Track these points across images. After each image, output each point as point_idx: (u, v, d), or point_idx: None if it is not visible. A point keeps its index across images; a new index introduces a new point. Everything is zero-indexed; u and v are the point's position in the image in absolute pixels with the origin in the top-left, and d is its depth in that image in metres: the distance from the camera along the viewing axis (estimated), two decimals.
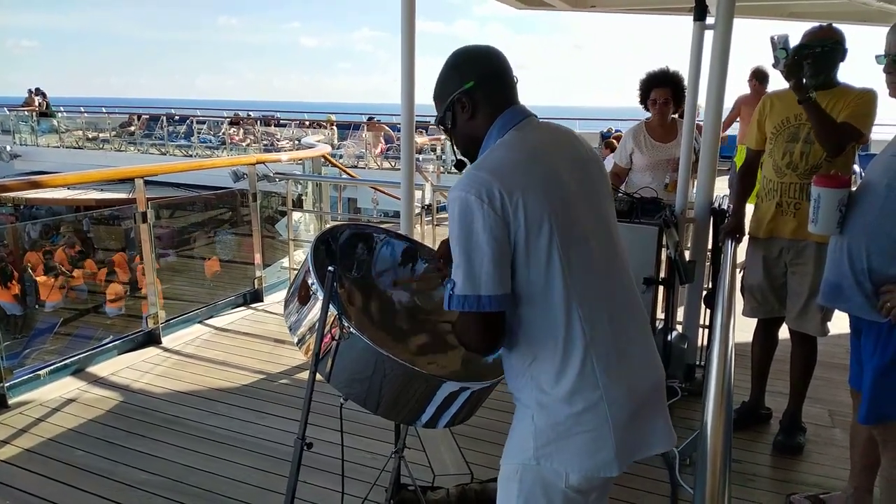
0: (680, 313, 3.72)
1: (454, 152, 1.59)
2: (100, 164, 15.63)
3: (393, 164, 15.36)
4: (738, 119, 7.28)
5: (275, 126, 19.97)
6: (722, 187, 6.92)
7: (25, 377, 3.57)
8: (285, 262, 5.93)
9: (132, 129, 20.77)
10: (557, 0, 4.85)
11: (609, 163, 4.47)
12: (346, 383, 1.67)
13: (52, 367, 3.71)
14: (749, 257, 3.12)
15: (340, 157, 15.10)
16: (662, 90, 3.88)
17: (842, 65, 2.75)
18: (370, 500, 2.34)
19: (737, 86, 6.59)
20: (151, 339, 4.28)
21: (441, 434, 3.13)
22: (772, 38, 2.59)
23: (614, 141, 8.28)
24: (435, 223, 5.96)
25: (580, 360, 1.37)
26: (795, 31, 2.75)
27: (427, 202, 5.81)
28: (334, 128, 18.08)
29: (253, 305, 5.13)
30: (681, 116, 3.98)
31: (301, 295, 1.77)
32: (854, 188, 2.21)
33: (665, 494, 2.66)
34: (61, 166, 16.45)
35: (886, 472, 2.20)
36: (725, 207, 3.52)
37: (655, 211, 3.31)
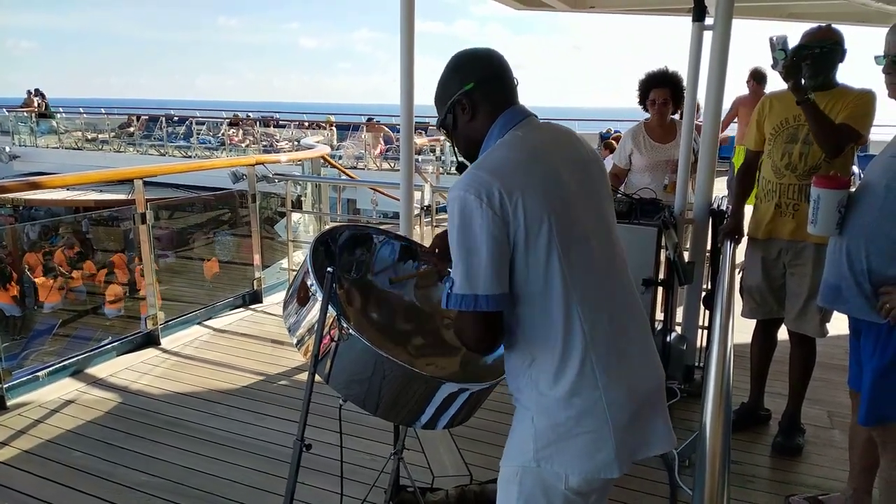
0: (679, 314, 3.72)
1: (455, 155, 1.60)
2: (99, 165, 15.64)
3: (392, 165, 15.37)
4: (735, 120, 7.29)
5: (274, 127, 19.99)
6: (721, 188, 6.94)
7: (24, 378, 3.56)
8: (284, 263, 5.93)
9: (131, 130, 20.79)
10: (556, 1, 4.85)
11: (608, 164, 4.47)
12: (345, 384, 1.67)
13: (50, 369, 3.70)
14: (748, 258, 3.12)
15: (340, 158, 15.11)
16: (661, 90, 3.88)
17: (841, 66, 2.75)
18: (369, 501, 2.34)
19: (736, 87, 6.60)
20: (150, 341, 4.27)
21: (440, 435, 3.13)
22: (770, 40, 2.59)
23: (613, 142, 8.28)
24: (434, 224, 5.97)
25: (579, 361, 1.37)
26: (794, 32, 2.75)
27: (426, 203, 5.81)
28: (333, 129, 18.09)
29: (252, 306, 5.12)
30: (681, 117, 3.98)
31: (300, 296, 1.77)
32: (853, 189, 2.21)
33: (664, 496, 2.65)
34: (60, 167, 16.47)
35: (885, 473, 2.20)
36: (724, 208, 3.52)
37: (654, 212, 3.31)
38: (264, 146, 18.01)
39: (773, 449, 3.06)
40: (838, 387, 3.51)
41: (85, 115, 22.95)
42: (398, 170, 4.06)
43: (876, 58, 2.10)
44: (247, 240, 5.60)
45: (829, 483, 2.79)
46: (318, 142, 12.89)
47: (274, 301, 5.20)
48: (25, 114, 20.74)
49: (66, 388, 3.63)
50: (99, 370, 3.87)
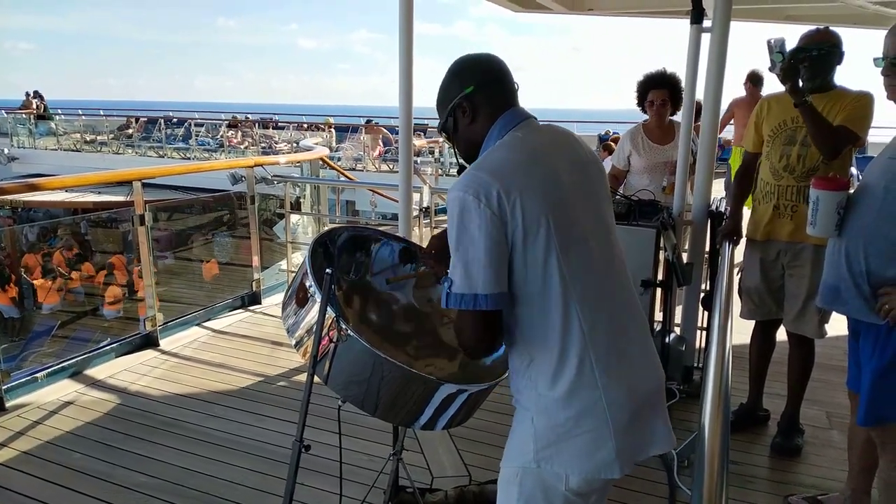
0: (678, 315, 3.72)
1: (456, 157, 1.61)
2: (97, 166, 15.64)
3: (391, 166, 15.38)
4: (731, 122, 7.31)
5: (273, 129, 19.99)
6: (718, 190, 6.95)
7: (23, 380, 3.56)
8: (283, 264, 5.92)
9: (130, 131, 20.79)
10: (554, 3, 4.86)
11: (607, 165, 4.48)
12: (343, 385, 1.67)
13: (49, 370, 3.70)
14: (746, 260, 3.12)
15: (338, 159, 15.11)
16: (660, 91, 3.88)
17: (839, 68, 2.76)
18: (368, 501, 2.34)
19: (734, 88, 6.62)
20: (149, 342, 4.27)
21: (439, 436, 3.13)
22: (768, 42, 2.60)
23: (612, 143, 8.29)
24: (433, 226, 5.97)
25: (578, 361, 1.37)
26: (792, 35, 2.76)
27: (425, 204, 5.81)
28: (332, 130, 18.11)
29: (251, 308, 5.12)
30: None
31: (299, 297, 1.77)
32: (852, 191, 2.22)
33: (663, 496, 2.66)
34: (59, 169, 16.47)
35: (884, 473, 2.21)
36: (723, 210, 3.53)
37: (653, 213, 3.32)
38: (263, 148, 18.02)
39: (771, 449, 3.06)
40: (837, 387, 3.52)
41: (83, 117, 22.95)
42: (397, 171, 4.07)
43: (875, 60, 2.10)
44: (246, 241, 5.60)
45: (827, 483, 2.79)
46: (316, 143, 12.91)
47: (273, 302, 5.20)
48: (24, 115, 20.74)
49: (64, 389, 3.63)
50: (98, 371, 3.87)
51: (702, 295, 3.60)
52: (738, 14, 3.74)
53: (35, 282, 8.72)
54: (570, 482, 1.41)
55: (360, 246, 2.07)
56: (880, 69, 2.08)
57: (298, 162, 6.96)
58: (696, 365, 3.68)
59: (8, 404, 3.40)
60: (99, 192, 12.94)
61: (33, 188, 4.52)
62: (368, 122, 18.01)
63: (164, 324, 4.41)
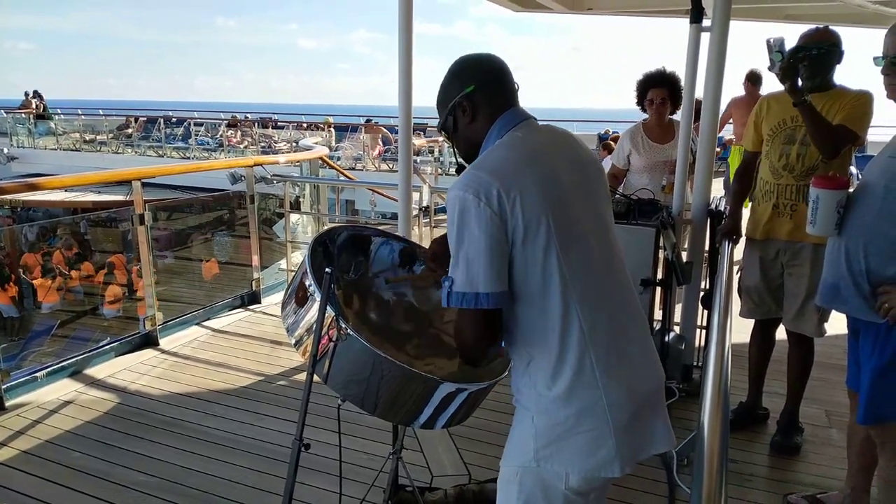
0: (677, 314, 3.72)
1: (455, 157, 1.61)
2: (97, 166, 15.65)
3: (391, 165, 15.38)
4: (730, 121, 7.31)
5: (272, 128, 19.99)
6: (718, 189, 6.95)
7: (23, 379, 3.56)
8: (283, 263, 5.93)
9: (129, 131, 20.79)
10: (554, 2, 4.86)
11: (606, 164, 4.48)
12: (343, 384, 1.67)
13: (49, 369, 3.70)
14: (746, 259, 3.13)
15: (338, 159, 15.11)
16: (659, 90, 3.89)
17: (838, 67, 2.76)
18: (368, 500, 2.34)
19: (734, 88, 6.62)
20: (149, 341, 4.27)
21: (439, 435, 3.13)
22: (767, 41, 2.60)
23: (612, 143, 8.28)
24: (433, 225, 5.97)
25: (577, 360, 1.37)
26: (792, 34, 2.76)
27: (425, 204, 5.82)
28: (332, 130, 18.11)
29: (250, 307, 5.13)
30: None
31: (298, 296, 1.77)
32: (851, 190, 2.22)
33: (663, 494, 2.66)
34: (58, 168, 16.47)
35: (884, 472, 2.21)
36: (722, 209, 3.53)
37: (653, 212, 3.32)
38: (262, 147, 18.02)
39: (771, 448, 3.07)
40: (836, 386, 3.52)
41: (83, 117, 22.95)
42: (396, 171, 4.07)
43: (874, 59, 2.10)
44: (245, 241, 5.60)
45: (827, 482, 2.79)
46: (316, 143, 12.91)
47: (272, 301, 5.20)
48: (23, 115, 20.74)
49: (64, 388, 3.63)
50: (97, 371, 3.87)
51: (701, 294, 3.60)
52: (737, 13, 3.74)
53: (35, 281, 8.71)
54: (570, 481, 1.41)
55: (359, 245, 2.07)
56: (880, 68, 2.08)
57: (298, 161, 6.95)
58: (695, 364, 3.68)
59: (7, 403, 3.41)
60: (98, 192, 12.94)
61: (33, 188, 4.51)
62: (368, 121, 18.01)
63: (164, 323, 4.41)
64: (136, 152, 19.51)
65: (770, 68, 2.61)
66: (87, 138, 20.83)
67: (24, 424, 3.24)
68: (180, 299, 6.26)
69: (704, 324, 3.62)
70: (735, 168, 5.39)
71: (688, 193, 3.75)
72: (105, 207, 11.56)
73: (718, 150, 7.33)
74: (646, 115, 4.06)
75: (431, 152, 15.35)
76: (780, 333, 3.12)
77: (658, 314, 3.57)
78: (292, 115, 24.52)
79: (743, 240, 3.12)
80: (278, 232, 6.70)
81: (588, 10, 5.25)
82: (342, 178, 8.13)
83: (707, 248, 3.57)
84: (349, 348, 1.61)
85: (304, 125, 20.03)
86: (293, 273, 1.85)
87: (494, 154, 1.44)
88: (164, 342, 4.31)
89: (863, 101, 2.68)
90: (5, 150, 19.41)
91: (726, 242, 3.02)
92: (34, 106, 20.83)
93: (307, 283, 1.71)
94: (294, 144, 16.70)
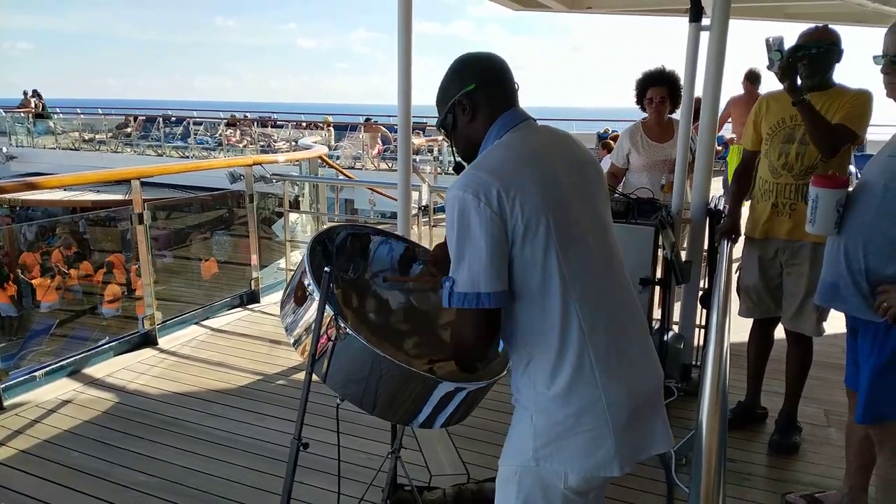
0: (676, 313, 3.72)
1: (454, 155, 1.61)
2: (96, 165, 15.63)
3: (390, 165, 15.38)
4: (729, 120, 7.31)
5: (271, 127, 19.98)
6: (717, 188, 6.95)
7: (21, 378, 3.56)
8: (282, 263, 5.92)
9: (128, 130, 20.78)
10: (553, 1, 4.86)
11: (606, 163, 4.48)
12: (342, 384, 1.67)
13: (48, 369, 3.70)
14: (745, 258, 3.13)
15: (337, 158, 15.10)
16: (658, 89, 3.89)
17: (838, 66, 2.76)
18: (366, 500, 2.34)
19: (733, 87, 6.61)
20: (148, 341, 4.27)
21: (437, 434, 3.13)
22: (766, 40, 2.60)
23: (611, 142, 8.28)
24: (432, 224, 5.96)
25: (576, 359, 1.38)
26: (791, 33, 2.76)
27: (424, 203, 5.81)
28: (331, 129, 18.10)
29: (249, 306, 5.12)
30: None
31: (297, 296, 1.77)
32: (851, 189, 2.22)
33: (661, 494, 2.66)
34: (57, 168, 16.46)
35: (882, 471, 2.21)
36: (721, 208, 3.53)
37: (652, 211, 3.32)
38: (262, 146, 18.02)
39: (769, 447, 3.07)
40: (835, 385, 3.52)
41: (82, 116, 22.93)
42: (396, 170, 4.07)
43: (874, 57, 2.10)
44: (244, 240, 5.59)
45: (825, 481, 2.79)
46: (315, 142, 12.88)
47: (271, 301, 5.20)
48: (22, 114, 20.72)
49: (63, 388, 3.63)
50: (96, 370, 3.86)
51: (700, 293, 3.60)
52: (736, 12, 3.74)
53: (34, 281, 8.71)
54: (569, 480, 1.41)
55: (358, 244, 2.07)
56: (880, 67, 2.08)
57: (297, 160, 6.94)
58: (694, 363, 3.68)
59: (6, 403, 3.40)
60: (97, 191, 12.94)
61: (31, 187, 4.51)
62: (367, 120, 18.01)
63: (163, 322, 4.41)
64: (135, 151, 19.50)
65: (769, 67, 2.61)
66: (86, 137, 20.82)
67: (23, 424, 3.24)
68: (179, 298, 6.26)
69: (703, 323, 3.62)
70: (734, 167, 5.39)
71: (687, 192, 3.75)
72: (104, 207, 11.57)
73: (720, 148, 7.32)
74: (645, 114, 4.06)
75: (431, 151, 15.34)
76: (779, 333, 3.12)
77: (657, 313, 3.57)
78: (291, 114, 24.50)
79: (742, 239, 3.12)
80: (277, 231, 6.70)
81: (588, 10, 5.25)
82: (341, 177, 8.12)
83: (706, 247, 3.57)
84: (348, 347, 1.61)
85: (304, 124, 20.02)
86: (292, 272, 1.84)
87: (494, 154, 1.45)
88: (162, 341, 4.31)
89: (862, 101, 2.68)
90: (4, 150, 19.39)
91: (725, 241, 3.02)
92: (33, 105, 20.81)
93: (306, 282, 1.71)
94: (293, 143, 16.68)
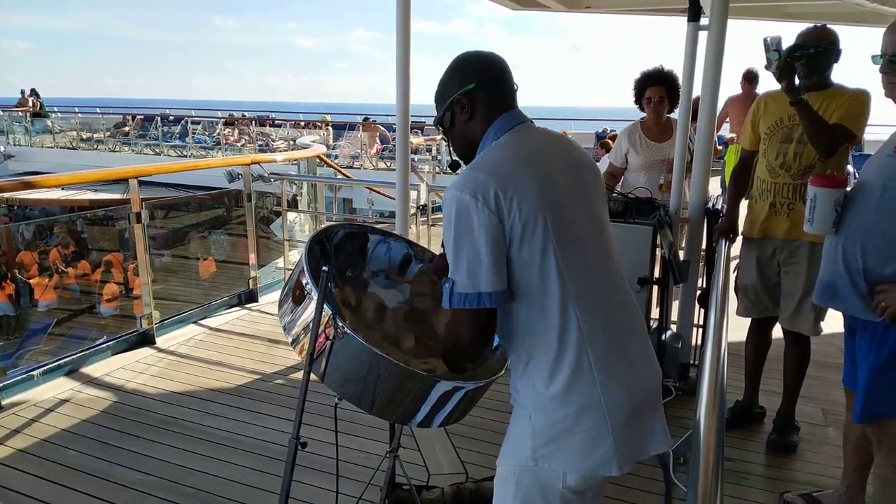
0: (674, 313, 3.72)
1: (449, 154, 1.62)
2: (94, 164, 15.62)
3: (388, 164, 15.37)
4: (727, 120, 7.31)
5: (270, 126, 19.97)
6: (716, 187, 6.95)
7: (19, 378, 3.56)
8: (280, 262, 5.92)
9: (126, 129, 20.75)
10: (552, 1, 4.86)
11: (604, 163, 4.48)
12: (340, 383, 1.67)
13: (45, 368, 3.69)
14: (743, 257, 3.13)
15: (336, 157, 15.09)
16: (657, 88, 3.89)
17: (836, 66, 2.76)
18: (365, 499, 2.34)
19: (732, 86, 6.61)
20: (145, 340, 4.27)
21: (436, 433, 3.13)
22: (764, 40, 2.60)
23: (609, 141, 8.29)
24: (430, 223, 5.96)
25: (575, 358, 1.38)
26: (790, 33, 2.76)
27: (422, 202, 5.82)
28: (329, 128, 18.10)
29: (248, 306, 5.12)
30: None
31: (295, 295, 1.76)
32: (849, 188, 2.22)
33: (659, 493, 2.66)
34: (55, 167, 16.43)
35: (880, 470, 2.21)
36: (719, 207, 3.53)
37: (650, 211, 3.32)
38: (260, 146, 18.00)
39: (767, 446, 3.07)
40: (833, 385, 3.53)
41: (80, 115, 22.90)
42: (394, 169, 4.07)
43: (873, 57, 2.10)
44: (242, 239, 5.59)
45: (823, 480, 2.80)
46: (313, 141, 12.88)
47: (269, 300, 5.19)
48: (20, 113, 20.68)
49: (61, 387, 3.63)
50: (94, 369, 3.86)
51: (698, 292, 3.60)
52: (735, 12, 3.74)
53: (32, 280, 8.69)
54: (567, 480, 1.41)
55: (356, 243, 2.07)
56: (878, 66, 2.08)
57: (295, 160, 6.94)
58: (692, 362, 3.69)
59: (4, 402, 3.40)
60: (95, 190, 12.92)
61: (29, 186, 4.50)
62: (366, 119, 18.01)
63: (161, 322, 4.41)
64: (132, 150, 19.48)
65: (767, 67, 2.61)
66: (84, 136, 20.79)
67: (21, 423, 3.23)
68: (177, 298, 6.25)
69: (701, 322, 3.62)
70: (731, 167, 5.39)
71: (685, 192, 3.75)
72: (102, 206, 11.55)
73: (720, 148, 7.31)
74: (644, 114, 4.06)
75: (429, 151, 15.35)
76: (777, 332, 3.12)
77: (655, 313, 3.57)
78: (290, 113, 24.49)
79: (740, 238, 3.12)
80: (275, 230, 6.70)
81: (586, 9, 5.25)
82: (340, 176, 8.11)
83: (704, 246, 3.57)
84: (346, 347, 1.60)
85: (302, 123, 20.01)
86: (290, 271, 1.84)
87: (491, 155, 1.45)
88: (160, 341, 4.30)
89: (860, 100, 2.68)
90: (2, 149, 19.39)
91: (723, 241, 3.03)
92: (31, 104, 20.77)
93: (304, 281, 1.70)
94: (291, 143, 16.68)
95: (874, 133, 6.23)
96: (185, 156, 18.22)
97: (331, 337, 1.61)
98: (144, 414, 3.35)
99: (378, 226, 2.46)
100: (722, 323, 2.11)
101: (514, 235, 1.35)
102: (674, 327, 3.70)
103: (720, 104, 5.76)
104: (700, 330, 3.64)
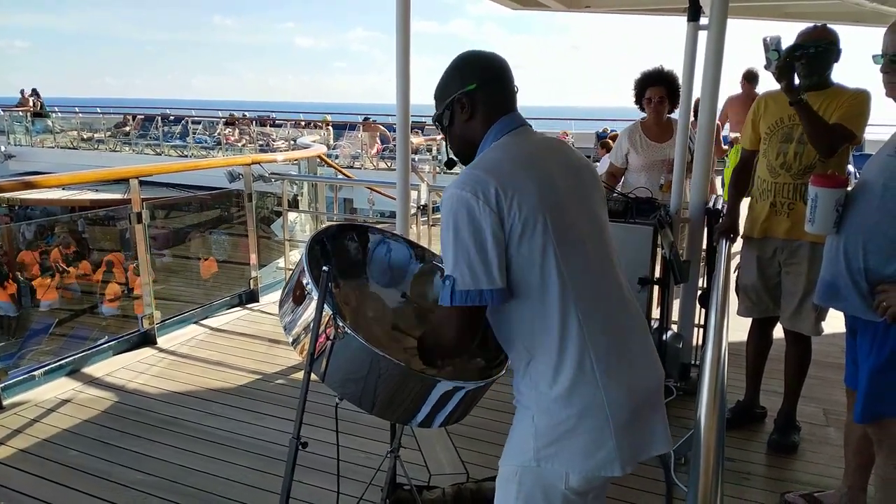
0: (675, 313, 3.72)
1: (447, 152, 1.63)
2: (95, 164, 15.63)
3: (389, 164, 15.37)
4: (726, 119, 7.29)
5: (270, 126, 19.97)
6: (719, 187, 6.94)
7: (20, 378, 3.56)
8: (281, 262, 5.92)
9: (127, 129, 20.76)
10: (552, 0, 4.86)
11: (605, 163, 4.48)
12: (340, 383, 1.67)
13: (47, 368, 3.70)
14: (743, 257, 3.13)
15: (336, 157, 15.09)
16: (657, 89, 3.89)
17: (836, 66, 2.76)
18: (366, 499, 2.34)
19: (732, 86, 6.60)
20: (147, 340, 4.27)
21: (436, 433, 3.13)
22: (764, 40, 2.60)
23: (610, 141, 8.29)
24: (430, 223, 5.96)
25: (577, 359, 1.38)
26: (790, 32, 2.76)
27: (423, 202, 5.81)
28: (330, 128, 18.10)
29: (248, 306, 5.12)
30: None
31: (296, 295, 1.76)
32: (850, 188, 2.22)
33: (661, 493, 2.66)
34: (56, 167, 16.44)
35: (881, 470, 2.21)
36: (720, 207, 3.53)
37: (650, 211, 3.32)
38: (261, 145, 18.01)
39: (768, 446, 3.07)
40: (834, 385, 3.53)
41: (80, 115, 22.90)
42: (394, 169, 4.07)
43: (874, 56, 2.09)
44: (243, 239, 5.59)
45: (824, 480, 2.80)
46: (314, 141, 12.88)
47: (270, 300, 5.20)
48: (21, 113, 20.69)
49: (62, 387, 3.63)
50: (95, 369, 3.86)
51: (699, 292, 3.60)
52: (734, 11, 3.74)
53: (32, 280, 8.69)
54: (570, 481, 1.41)
55: (357, 243, 2.07)
56: (879, 66, 2.08)
57: (296, 160, 6.94)
58: (693, 362, 3.68)
59: (5, 402, 3.40)
60: (96, 190, 12.92)
61: (29, 186, 4.51)
62: (366, 119, 18.01)
63: (162, 322, 4.41)
64: (133, 150, 19.48)
65: (766, 67, 2.61)
66: (85, 136, 20.79)
67: (22, 423, 3.24)
68: (178, 298, 6.26)
69: (702, 322, 3.62)
70: (733, 166, 5.39)
71: (686, 191, 3.75)
72: (103, 206, 11.54)
73: (726, 147, 7.28)
74: (644, 114, 4.06)
75: (429, 150, 15.35)
76: (778, 332, 3.12)
77: (656, 313, 3.57)
78: (290, 113, 24.50)
79: (740, 238, 3.12)
80: (276, 230, 6.69)
81: (586, 9, 5.25)
82: (340, 176, 8.11)
83: (705, 246, 3.57)
84: (346, 347, 1.60)
85: (303, 123, 20.02)
86: (291, 272, 1.84)
87: (491, 155, 1.46)
88: (161, 341, 4.30)
89: (860, 100, 2.68)
90: (2, 149, 19.38)
91: (724, 241, 3.02)
92: (31, 104, 20.78)
93: (304, 281, 1.70)
94: (292, 143, 16.68)
95: (874, 133, 6.22)
96: (186, 156, 18.21)
97: (331, 337, 1.61)
98: (145, 414, 3.35)
99: (379, 226, 2.46)
100: (723, 323, 2.11)
101: (514, 234, 1.36)
102: (674, 327, 3.70)
103: (720, 104, 5.76)
104: (701, 330, 3.64)
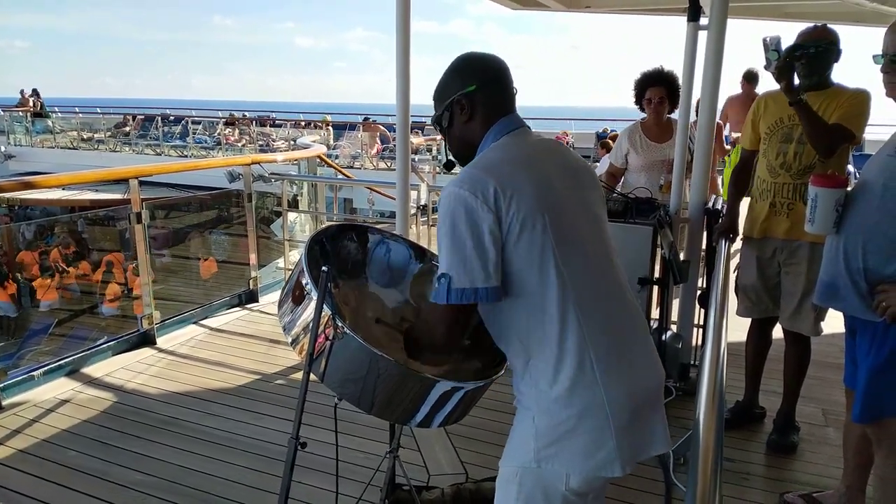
0: (675, 313, 3.72)
1: (445, 153, 1.63)
2: (94, 164, 15.62)
3: (389, 164, 15.38)
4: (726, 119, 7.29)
5: (270, 126, 19.98)
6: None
7: (20, 378, 3.56)
8: (280, 262, 5.92)
9: (127, 129, 20.76)
10: (552, 0, 4.86)
11: (605, 163, 4.49)
12: (339, 383, 1.67)
13: (46, 368, 3.70)
14: (743, 257, 3.13)
15: (336, 157, 15.10)
16: (657, 89, 3.89)
17: (836, 66, 2.76)
18: (365, 499, 2.34)
19: (732, 86, 6.60)
20: (146, 340, 4.27)
21: (436, 434, 3.13)
22: (764, 40, 2.60)
23: (610, 141, 8.29)
24: (430, 223, 5.96)
25: (577, 359, 1.38)
26: (790, 32, 2.76)
27: (423, 202, 5.82)
28: (330, 128, 18.11)
29: (248, 306, 5.12)
30: None
31: (295, 295, 1.76)
32: (850, 188, 2.22)
33: (660, 493, 2.66)
34: (56, 167, 16.44)
35: (880, 470, 2.21)
36: (719, 207, 3.53)
37: (650, 211, 3.32)
38: (260, 146, 18.02)
39: (767, 447, 3.07)
40: (833, 385, 3.53)
41: (80, 115, 22.91)
42: (394, 169, 4.07)
43: (874, 56, 2.09)
44: (243, 239, 5.59)
45: (823, 480, 2.80)
46: (314, 141, 12.89)
47: (270, 300, 5.20)
48: (21, 113, 20.70)
49: (61, 387, 3.63)
50: (95, 370, 3.86)
51: (698, 292, 3.60)
52: (734, 11, 3.74)
53: (32, 280, 8.69)
54: (570, 482, 1.41)
55: (357, 244, 2.07)
56: (880, 66, 2.08)
57: (296, 160, 6.94)
58: (692, 362, 3.68)
59: (4, 402, 3.40)
60: (96, 190, 12.93)
61: (29, 186, 4.51)
62: (366, 119, 18.02)
63: (161, 322, 4.41)
64: (133, 151, 19.49)
65: (766, 67, 2.61)
66: (85, 136, 20.81)
67: (21, 423, 3.24)
68: (178, 298, 6.25)
69: (701, 322, 3.62)
70: (733, 167, 5.39)
71: (685, 192, 3.75)
72: (102, 206, 11.55)
73: (728, 147, 7.28)
74: (644, 114, 4.06)
75: (429, 151, 15.35)
76: (777, 332, 3.12)
77: (655, 313, 3.57)
78: (290, 113, 24.50)
79: (740, 238, 3.12)
80: (276, 230, 6.70)
81: (586, 9, 5.25)
82: (340, 176, 8.11)
83: (704, 246, 3.57)
84: (345, 347, 1.60)
85: (302, 123, 20.03)
86: (290, 272, 1.84)
87: (490, 156, 1.46)
88: (161, 341, 4.30)
89: (860, 100, 2.68)
90: (3, 149, 19.39)
91: (723, 241, 3.02)
92: (31, 104, 20.79)
93: (304, 281, 1.70)
94: (292, 143, 16.69)
95: (874, 133, 6.23)
96: (186, 156, 18.22)
97: (330, 337, 1.61)
98: (145, 414, 3.35)
99: (378, 226, 2.46)
100: (722, 323, 2.11)
101: (512, 234, 1.36)
102: (674, 327, 3.70)
103: (720, 104, 5.76)
104: (700, 330, 3.64)
